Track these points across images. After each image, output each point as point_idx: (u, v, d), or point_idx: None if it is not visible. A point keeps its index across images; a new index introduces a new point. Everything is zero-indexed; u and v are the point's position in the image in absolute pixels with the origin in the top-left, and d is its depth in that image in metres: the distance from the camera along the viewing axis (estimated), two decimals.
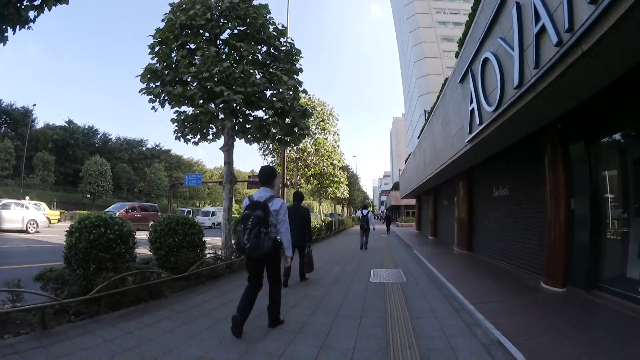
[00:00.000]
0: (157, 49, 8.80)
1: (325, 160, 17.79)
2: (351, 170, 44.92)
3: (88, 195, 47.67)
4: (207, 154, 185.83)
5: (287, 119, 9.47)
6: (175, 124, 9.51)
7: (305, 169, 17.77)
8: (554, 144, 6.70)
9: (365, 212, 14.97)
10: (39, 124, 54.91)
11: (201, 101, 8.59)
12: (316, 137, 18.01)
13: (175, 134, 9.75)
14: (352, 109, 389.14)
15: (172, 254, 6.68)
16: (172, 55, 8.79)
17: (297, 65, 9.77)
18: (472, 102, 7.90)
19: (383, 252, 13.57)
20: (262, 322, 4.32)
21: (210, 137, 10.03)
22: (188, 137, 9.72)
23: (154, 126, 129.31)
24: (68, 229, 4.89)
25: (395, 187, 51.23)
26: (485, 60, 6.89)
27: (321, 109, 17.31)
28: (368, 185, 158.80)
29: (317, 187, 24.21)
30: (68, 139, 55.03)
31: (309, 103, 17.12)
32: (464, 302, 5.49)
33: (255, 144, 10.43)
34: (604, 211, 5.73)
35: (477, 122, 7.53)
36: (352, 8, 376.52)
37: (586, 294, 5.71)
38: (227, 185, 9.58)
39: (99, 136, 64.84)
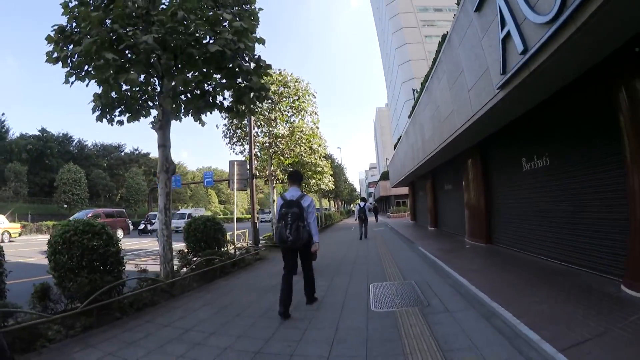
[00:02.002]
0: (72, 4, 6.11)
1: (302, 146, 14.92)
2: (336, 161, 42.22)
3: (65, 206, 45.16)
4: (192, 157, 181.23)
5: (237, 79, 6.71)
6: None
7: (281, 157, 14.95)
8: None
9: (362, 204, 16.41)
10: (15, 134, 52.60)
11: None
12: (292, 121, 15.21)
13: (94, 112, 7.05)
14: (335, 103, 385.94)
15: (68, 278, 4.64)
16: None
17: (250, 7, 7.06)
18: (503, 26, 5.37)
19: (381, 251, 10.91)
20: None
21: (145, 114, 7.40)
22: (114, 114, 7.12)
23: (132, 128, 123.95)
24: None
25: (384, 177, 48.88)
26: None
27: (295, 86, 14.48)
28: (355, 178, 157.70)
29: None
30: (42, 148, 52.52)
31: (280, 78, 14.32)
32: (544, 349, 2.88)
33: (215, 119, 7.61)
34: None
35: (520, 48, 4.91)
36: (331, 2, 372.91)
37: None
38: (161, 174, 6.92)
39: (74, 143, 62.00)
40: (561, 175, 6.36)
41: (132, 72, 5.71)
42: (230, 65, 6.48)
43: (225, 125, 14.91)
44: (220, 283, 7.23)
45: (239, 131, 14.67)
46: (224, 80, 6.81)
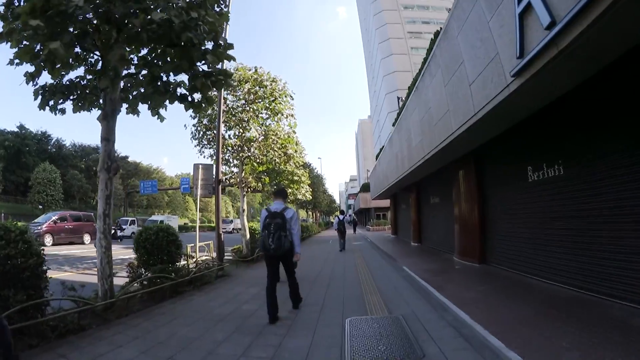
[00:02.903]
0: None
1: (276, 151, 13.50)
2: (315, 171, 41.00)
3: (40, 206, 42.95)
4: (172, 162, 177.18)
5: (192, 60, 5.39)
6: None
7: (255, 164, 13.54)
8: None
9: (341, 217, 17.48)
10: None
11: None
12: (267, 124, 13.85)
13: (35, 98, 5.86)
14: (316, 115, 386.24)
15: None
16: None
17: None
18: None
19: (360, 270, 9.64)
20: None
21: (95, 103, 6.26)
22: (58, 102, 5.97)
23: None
24: None
25: (364, 188, 47.91)
26: None
27: (271, 86, 13.15)
28: (334, 189, 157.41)
29: (273, 188, 20.06)
30: (19, 146, 50.30)
31: (256, 76, 12.99)
32: None
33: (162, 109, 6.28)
34: None
35: (545, 21, 3.82)
36: (318, 12, 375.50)
37: None
38: (102, 174, 5.72)
39: (52, 142, 59.88)
40: (579, 187, 5.28)
41: (54, 42, 4.35)
42: (183, 43, 5.19)
43: (194, 125, 13.47)
44: (167, 306, 5.85)
45: (209, 133, 13.22)
46: (175, 60, 5.49)
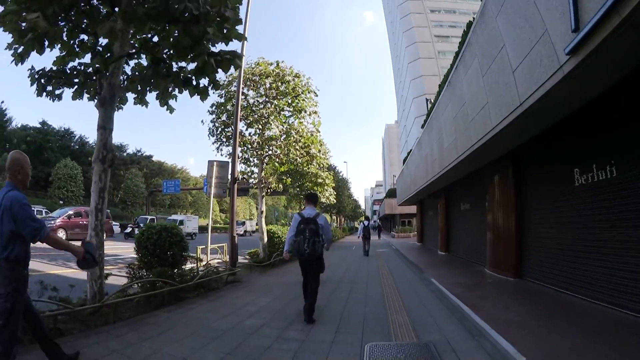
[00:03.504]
0: None
1: (298, 150, 12.83)
2: (341, 174, 40.22)
3: (61, 202, 43.46)
4: (199, 163, 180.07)
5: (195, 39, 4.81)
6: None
7: (276, 164, 12.96)
8: None
9: (367, 223, 17.64)
10: (18, 124, 50.95)
11: None
12: (290, 122, 13.25)
13: (32, 83, 5.63)
14: (342, 120, 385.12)
15: None
16: None
17: None
18: None
19: (384, 282, 8.86)
20: None
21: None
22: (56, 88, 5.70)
23: (137, 129, 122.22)
24: None
25: (390, 194, 46.82)
26: None
27: (294, 81, 12.54)
28: (360, 195, 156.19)
29: (296, 191, 19.44)
30: (41, 141, 50.85)
31: (278, 71, 12.43)
32: None
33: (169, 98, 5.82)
34: None
35: None
36: (346, 17, 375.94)
37: None
38: (96, 164, 5.23)
39: (75, 139, 60.37)
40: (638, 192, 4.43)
41: (33, 14, 3.86)
42: (183, 18, 4.62)
43: (212, 121, 13.01)
44: (161, 315, 5.29)
45: (227, 130, 12.70)
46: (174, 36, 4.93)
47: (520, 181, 7.93)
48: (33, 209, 3.05)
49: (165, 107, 6.00)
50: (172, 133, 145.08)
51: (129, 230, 26.02)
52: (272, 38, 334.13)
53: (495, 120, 6.07)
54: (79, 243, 3.14)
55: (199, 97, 5.39)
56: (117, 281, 6.67)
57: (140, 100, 6.13)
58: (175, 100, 6.05)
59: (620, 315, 4.62)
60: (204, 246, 9.62)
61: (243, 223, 44.58)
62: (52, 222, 18.95)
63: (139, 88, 5.73)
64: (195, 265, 8.34)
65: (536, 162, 7.25)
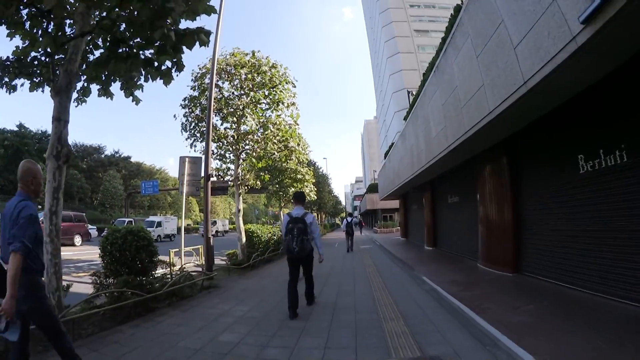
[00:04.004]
0: None
1: (275, 144, 12.08)
2: (320, 170, 39.61)
3: (39, 207, 40.94)
4: (178, 163, 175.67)
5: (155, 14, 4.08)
6: None
7: (253, 159, 12.20)
8: None
9: (349, 219, 18.09)
10: None
11: None
12: (267, 116, 12.49)
13: None
14: (321, 116, 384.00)
15: None
16: None
17: None
18: None
19: (373, 281, 8.29)
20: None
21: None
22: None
23: (113, 130, 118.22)
24: None
25: (371, 189, 46.43)
26: None
27: (270, 72, 11.80)
28: (340, 191, 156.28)
29: (275, 187, 18.73)
30: (18, 145, 48.79)
31: (254, 61, 11.68)
32: None
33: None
34: None
35: None
36: (324, 13, 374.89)
37: None
38: (50, 161, 4.60)
39: None
40: None
41: None
42: None
43: (184, 115, 12.14)
44: (126, 331, 4.58)
45: (201, 124, 11.87)
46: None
47: (516, 170, 7.48)
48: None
49: (131, 98, 5.38)
50: (150, 132, 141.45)
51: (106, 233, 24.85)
52: (247, 34, 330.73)
53: (493, 104, 5.54)
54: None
55: (162, 81, 4.71)
56: (87, 290, 5.93)
57: (105, 92, 5.48)
58: (142, 91, 5.42)
59: (637, 310, 4.17)
60: (177, 249, 8.84)
61: (214, 223, 43.25)
62: None
63: (94, 74, 5.00)
64: (167, 270, 7.59)
65: (534, 149, 6.79)
